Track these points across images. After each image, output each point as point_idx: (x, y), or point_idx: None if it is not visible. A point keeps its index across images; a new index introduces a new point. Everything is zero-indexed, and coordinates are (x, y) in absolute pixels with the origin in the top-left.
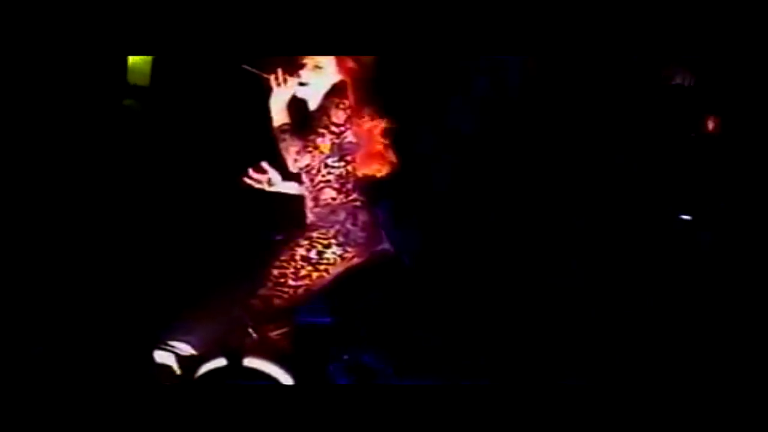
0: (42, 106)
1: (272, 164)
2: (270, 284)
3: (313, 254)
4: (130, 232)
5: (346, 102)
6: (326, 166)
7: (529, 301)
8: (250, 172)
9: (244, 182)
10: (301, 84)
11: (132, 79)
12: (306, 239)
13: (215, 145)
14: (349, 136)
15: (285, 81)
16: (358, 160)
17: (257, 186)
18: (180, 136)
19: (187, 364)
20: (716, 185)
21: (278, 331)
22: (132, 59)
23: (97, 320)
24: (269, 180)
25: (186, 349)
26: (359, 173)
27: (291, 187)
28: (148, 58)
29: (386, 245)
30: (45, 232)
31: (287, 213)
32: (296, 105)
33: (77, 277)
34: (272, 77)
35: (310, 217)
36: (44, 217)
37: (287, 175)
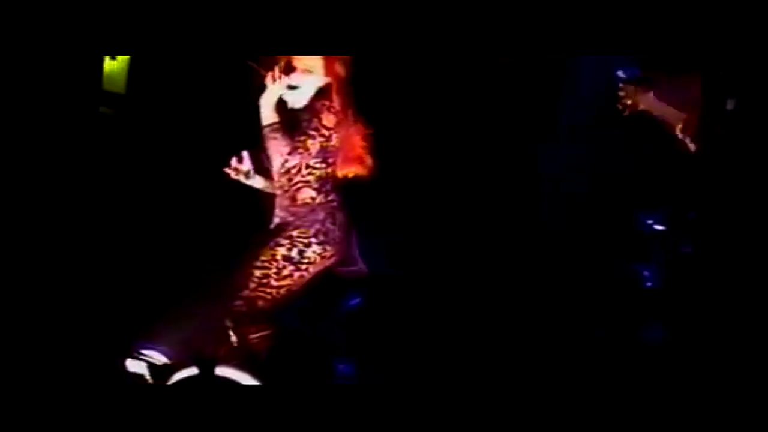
0: (17, 112)
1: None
2: (253, 285)
3: (294, 253)
4: (102, 240)
5: (336, 105)
6: (308, 166)
7: (506, 305)
8: (232, 161)
9: (225, 172)
10: (291, 87)
11: (108, 86)
12: (286, 238)
13: (189, 151)
14: (334, 139)
15: (280, 79)
16: (338, 162)
17: (235, 176)
18: (154, 143)
19: (160, 373)
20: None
21: (258, 334)
22: (108, 67)
23: (68, 328)
24: (248, 172)
25: (158, 357)
26: (338, 175)
27: (261, 182)
28: (124, 66)
29: (355, 251)
30: (15, 238)
31: (258, 213)
32: (285, 105)
33: (48, 284)
34: (269, 75)
35: (287, 216)
36: (15, 222)
37: (258, 170)
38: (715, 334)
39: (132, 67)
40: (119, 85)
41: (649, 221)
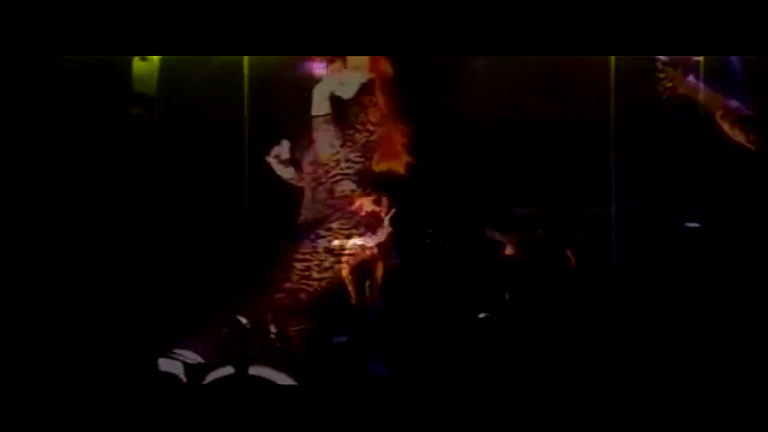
0: (47, 114)
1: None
2: (296, 278)
3: (335, 245)
4: (136, 241)
5: (380, 102)
6: (348, 159)
7: (536, 305)
8: (274, 149)
9: (266, 160)
10: (341, 83)
11: (137, 87)
12: (327, 230)
13: (219, 149)
14: (376, 135)
15: (336, 72)
16: (376, 157)
17: (276, 164)
18: (186, 141)
19: (194, 372)
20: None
21: (298, 327)
22: (137, 67)
23: (104, 327)
24: (286, 161)
25: (193, 357)
26: (375, 169)
27: (290, 173)
28: (155, 67)
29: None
30: (52, 239)
31: (288, 209)
32: (337, 98)
33: (83, 284)
34: (330, 67)
35: (324, 209)
36: (51, 223)
37: (290, 161)
38: (747, 334)
39: (162, 68)
40: (150, 87)
41: (681, 219)
